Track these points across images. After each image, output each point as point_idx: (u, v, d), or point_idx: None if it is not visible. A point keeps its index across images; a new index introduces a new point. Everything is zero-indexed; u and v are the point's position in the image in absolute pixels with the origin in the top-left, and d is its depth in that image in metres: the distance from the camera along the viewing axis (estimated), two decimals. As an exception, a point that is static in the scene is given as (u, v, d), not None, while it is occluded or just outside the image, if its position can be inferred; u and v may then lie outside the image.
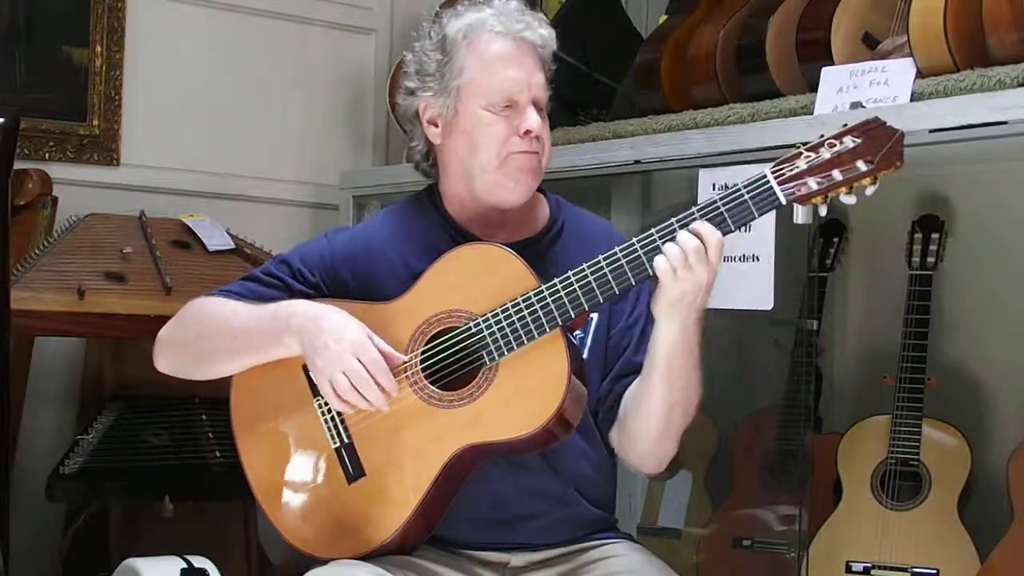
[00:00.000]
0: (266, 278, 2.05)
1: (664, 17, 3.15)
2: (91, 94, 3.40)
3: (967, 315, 2.92)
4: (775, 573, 2.87)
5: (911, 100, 2.36)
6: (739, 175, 2.57)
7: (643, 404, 1.91)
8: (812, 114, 2.53)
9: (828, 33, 2.58)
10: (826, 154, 1.76)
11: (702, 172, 2.68)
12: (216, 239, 3.17)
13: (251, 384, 2.02)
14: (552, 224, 2.07)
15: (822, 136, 1.78)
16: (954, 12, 2.31)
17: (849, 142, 1.76)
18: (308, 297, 2.00)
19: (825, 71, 2.54)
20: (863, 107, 2.42)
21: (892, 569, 2.60)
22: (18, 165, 2.52)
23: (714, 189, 2.64)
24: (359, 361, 1.86)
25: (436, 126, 2.03)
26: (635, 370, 1.98)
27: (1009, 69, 2.22)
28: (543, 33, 2.02)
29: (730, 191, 1.79)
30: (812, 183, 1.76)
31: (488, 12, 2.01)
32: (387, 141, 3.88)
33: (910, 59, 2.40)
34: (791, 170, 1.77)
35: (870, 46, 2.57)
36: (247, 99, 3.66)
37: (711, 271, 1.78)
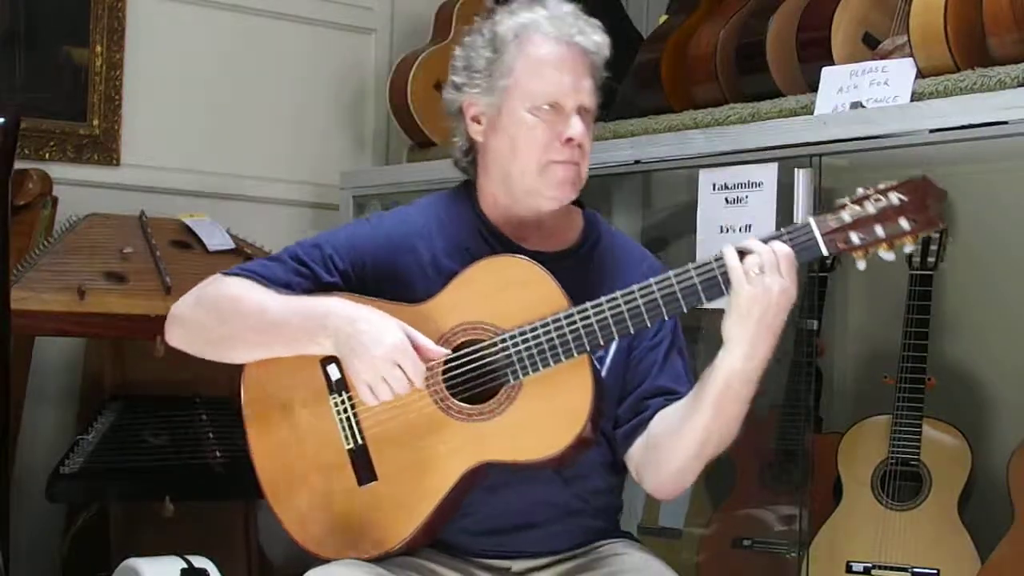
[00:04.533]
0: (293, 263, 1.98)
1: (664, 17, 3.15)
2: (91, 94, 3.40)
3: (967, 315, 2.92)
4: (775, 573, 2.87)
5: (911, 100, 2.37)
6: (739, 175, 2.60)
7: (684, 428, 1.87)
8: (812, 114, 2.53)
9: (828, 33, 2.58)
10: (871, 208, 1.75)
11: (702, 172, 2.68)
12: (216, 239, 3.17)
13: (264, 372, 1.98)
14: (585, 239, 2.04)
15: (868, 189, 1.77)
16: (954, 12, 2.31)
17: (894, 198, 1.75)
18: (335, 287, 1.96)
19: (825, 71, 2.54)
20: (863, 107, 2.42)
21: (892, 569, 2.60)
22: (18, 165, 2.53)
23: (714, 189, 2.65)
24: (400, 367, 1.83)
25: (479, 123, 1.99)
26: (657, 393, 1.96)
27: (1009, 69, 2.22)
28: (596, 39, 1.97)
29: (773, 234, 1.78)
30: (854, 237, 1.75)
31: (542, 14, 1.96)
32: (387, 141, 3.88)
33: (910, 59, 2.40)
34: (835, 222, 1.76)
35: (870, 46, 2.57)
36: (247, 99, 3.66)
37: (784, 288, 1.75)
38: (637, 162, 2.85)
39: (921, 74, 2.38)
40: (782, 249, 1.76)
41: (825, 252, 1.76)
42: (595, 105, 1.98)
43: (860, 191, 1.77)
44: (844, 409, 3.11)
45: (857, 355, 3.18)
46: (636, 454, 1.97)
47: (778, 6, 2.76)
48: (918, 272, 2.74)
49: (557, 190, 1.94)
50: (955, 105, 2.26)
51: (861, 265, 1.77)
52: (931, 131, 2.30)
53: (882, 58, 2.50)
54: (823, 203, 2.61)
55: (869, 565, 2.62)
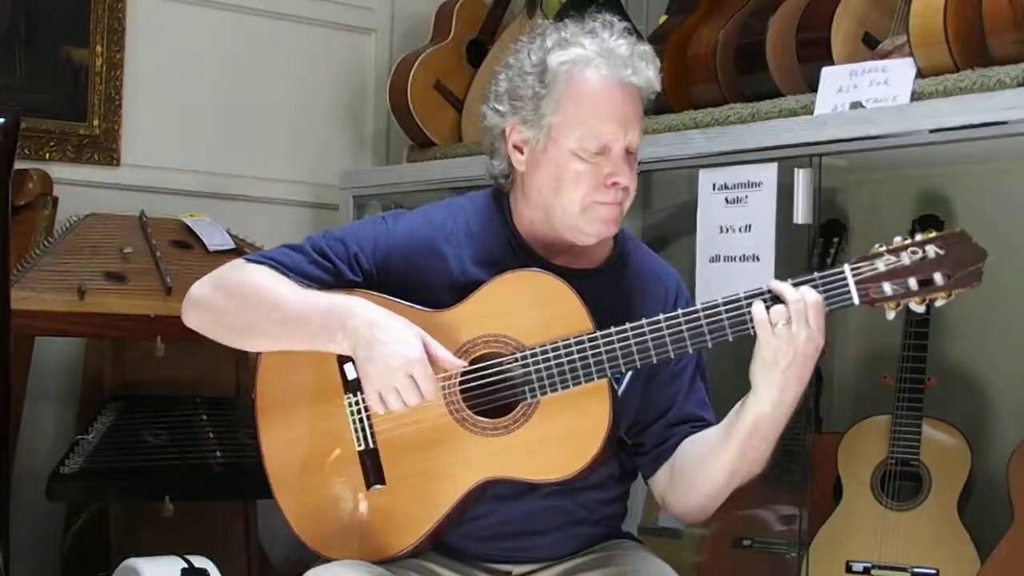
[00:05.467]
0: (316, 256, 1.95)
1: (664, 17, 3.15)
2: (91, 94, 3.40)
3: (967, 315, 2.92)
4: (775, 573, 2.87)
5: (911, 100, 2.37)
6: (739, 175, 2.60)
7: (711, 462, 1.87)
8: (812, 114, 2.53)
9: (828, 33, 2.58)
10: (906, 259, 1.72)
11: (702, 172, 2.68)
12: (216, 239, 3.17)
13: (281, 363, 1.96)
14: (614, 258, 2.00)
15: (905, 238, 1.74)
16: (954, 12, 2.31)
17: (931, 251, 1.71)
18: (356, 285, 1.93)
19: (825, 71, 2.54)
20: (863, 107, 2.42)
21: (892, 569, 2.60)
22: (18, 165, 2.52)
23: (714, 189, 2.65)
24: (413, 379, 1.80)
25: (521, 152, 1.92)
26: (684, 420, 1.95)
27: (1009, 69, 2.22)
28: (649, 76, 1.90)
29: (805, 279, 1.76)
30: (887, 288, 1.72)
31: (593, 49, 1.87)
32: (387, 141, 3.88)
33: (910, 59, 2.40)
34: (870, 270, 1.73)
35: (870, 46, 2.57)
36: (247, 99, 3.66)
37: (810, 336, 1.73)
38: (637, 162, 2.85)
39: (921, 74, 2.38)
40: (812, 298, 1.73)
41: (857, 302, 1.74)
42: (640, 140, 1.93)
43: (897, 239, 1.74)
44: (844, 409, 3.11)
45: (857, 355, 3.17)
46: (661, 481, 1.97)
47: (778, 6, 2.76)
48: (918, 272, 2.73)
49: (597, 228, 1.90)
50: (955, 105, 2.25)
51: (890, 315, 1.75)
52: (931, 131, 2.30)
53: (882, 58, 2.50)
54: (823, 203, 2.62)
55: (869, 565, 2.62)
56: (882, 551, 2.62)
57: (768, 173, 2.56)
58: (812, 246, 2.90)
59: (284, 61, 3.72)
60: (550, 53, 1.89)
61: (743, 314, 1.76)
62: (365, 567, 1.87)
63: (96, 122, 3.41)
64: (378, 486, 1.89)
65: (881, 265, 1.72)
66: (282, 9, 3.71)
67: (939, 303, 1.73)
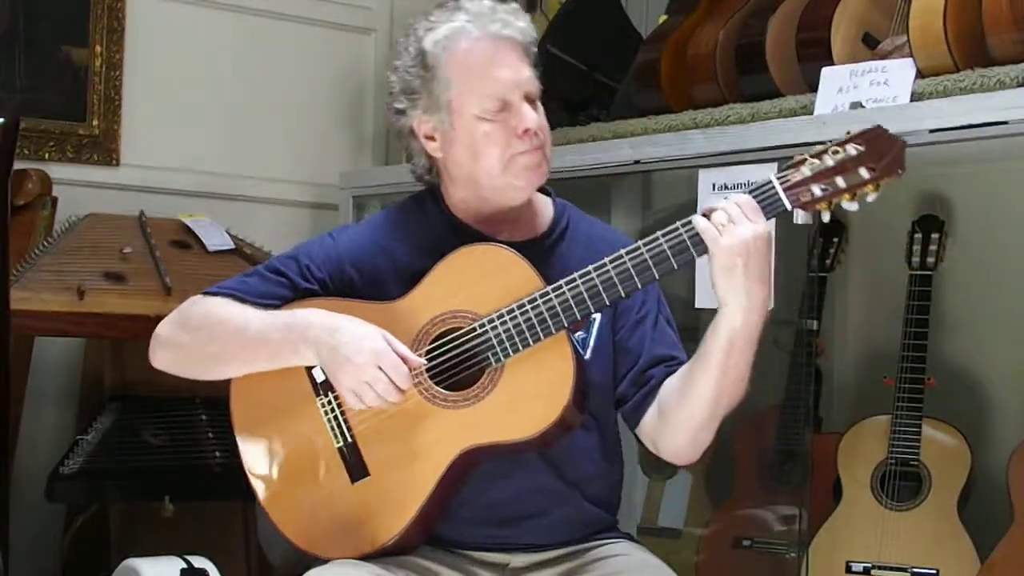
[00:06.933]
0: (270, 275, 2.02)
1: (664, 17, 3.15)
2: (91, 94, 3.40)
3: (967, 315, 2.92)
4: (775, 573, 2.87)
5: (911, 100, 2.37)
6: (739, 175, 2.60)
7: (692, 393, 1.89)
8: (812, 114, 2.53)
9: (828, 33, 2.58)
10: (829, 161, 1.79)
11: (702, 172, 2.68)
12: (216, 239, 3.17)
13: (252, 383, 2.01)
14: (556, 225, 2.06)
15: (826, 143, 1.81)
16: (954, 12, 2.31)
17: (852, 149, 1.79)
18: (314, 294, 1.99)
19: (825, 71, 2.54)
20: (863, 107, 2.42)
21: (892, 569, 2.60)
22: (18, 165, 2.53)
23: (714, 189, 2.65)
24: (381, 369, 1.85)
25: (434, 140, 2.00)
26: (657, 362, 1.98)
27: (1009, 69, 2.22)
28: (521, 26, 1.99)
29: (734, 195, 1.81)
30: (816, 189, 1.79)
31: (462, 18, 1.97)
32: (387, 141, 3.88)
33: (910, 59, 2.40)
34: (796, 176, 1.80)
35: (870, 46, 2.57)
36: (247, 99, 3.66)
37: (757, 231, 1.78)
38: (637, 162, 2.85)
39: (921, 74, 2.38)
40: (743, 198, 1.80)
41: (788, 207, 1.81)
42: (539, 87, 1.99)
43: (818, 147, 1.81)
44: (844, 409, 3.11)
45: (857, 355, 3.18)
46: (649, 425, 1.98)
47: (778, 6, 2.76)
48: (918, 272, 2.74)
49: (525, 178, 1.96)
50: (955, 105, 2.25)
51: (826, 217, 1.82)
52: (931, 131, 2.29)
53: (882, 58, 2.50)
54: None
55: (868, 565, 2.62)
56: (882, 551, 2.62)
57: (768, 173, 2.56)
58: (812, 246, 2.91)
59: (284, 61, 3.72)
60: (424, 40, 1.99)
61: (682, 239, 1.81)
62: (364, 567, 1.87)
63: (95, 122, 3.41)
64: (363, 478, 1.92)
65: (807, 170, 1.80)
66: (282, 9, 3.71)
67: (870, 198, 1.79)
